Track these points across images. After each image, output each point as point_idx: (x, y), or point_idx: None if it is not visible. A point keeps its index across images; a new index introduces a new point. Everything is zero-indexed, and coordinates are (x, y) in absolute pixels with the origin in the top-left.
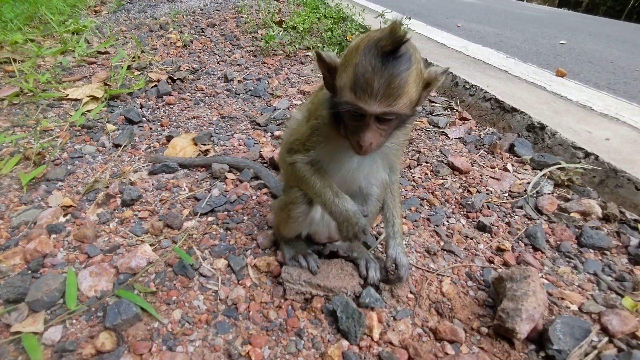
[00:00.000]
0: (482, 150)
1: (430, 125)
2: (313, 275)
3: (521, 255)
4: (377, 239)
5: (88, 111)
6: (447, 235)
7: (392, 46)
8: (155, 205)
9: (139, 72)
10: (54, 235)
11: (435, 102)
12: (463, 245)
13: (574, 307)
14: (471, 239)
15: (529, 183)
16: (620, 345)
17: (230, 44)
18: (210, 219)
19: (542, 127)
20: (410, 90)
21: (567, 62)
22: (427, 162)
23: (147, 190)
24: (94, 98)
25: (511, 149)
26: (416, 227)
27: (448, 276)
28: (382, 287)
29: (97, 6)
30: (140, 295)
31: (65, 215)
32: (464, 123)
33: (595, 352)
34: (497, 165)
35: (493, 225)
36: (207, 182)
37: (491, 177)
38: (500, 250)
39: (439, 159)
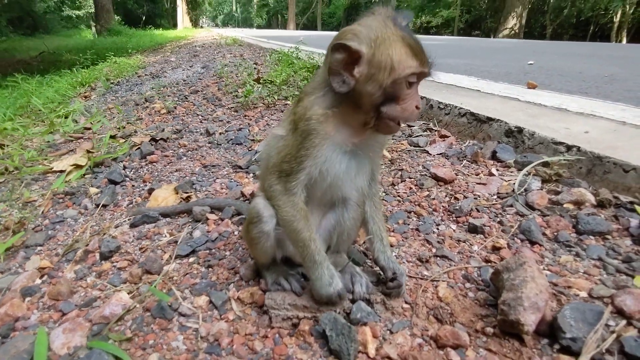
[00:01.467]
0: (465, 161)
1: (410, 145)
2: (298, 297)
3: (519, 251)
4: (365, 255)
5: (76, 179)
6: (438, 242)
7: (407, 20)
8: (135, 254)
9: (123, 140)
10: (28, 298)
11: (414, 126)
12: (456, 249)
13: (583, 294)
14: (464, 242)
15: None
16: None
17: (212, 104)
18: (191, 259)
19: (520, 130)
20: None
21: (537, 77)
22: (410, 178)
23: (127, 241)
24: (78, 167)
25: (494, 156)
26: (405, 239)
27: (444, 281)
28: (373, 299)
29: (86, 92)
30: (115, 344)
31: (41, 277)
32: (444, 140)
33: (614, 335)
34: (481, 172)
35: (485, 225)
36: (188, 226)
37: (477, 183)
38: (496, 249)
39: (422, 173)
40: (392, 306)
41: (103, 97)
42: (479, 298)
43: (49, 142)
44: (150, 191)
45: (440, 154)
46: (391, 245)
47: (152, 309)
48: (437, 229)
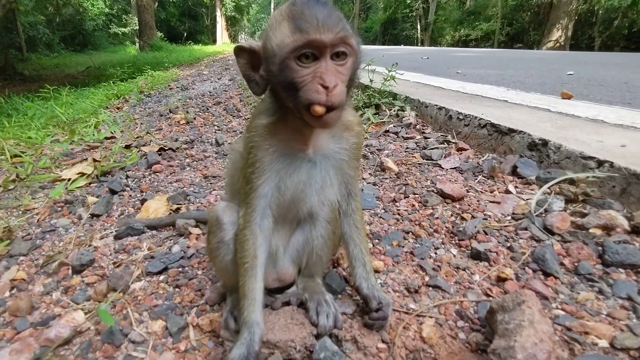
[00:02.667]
0: (480, 177)
1: (423, 158)
2: None
3: (528, 283)
4: (346, 281)
5: (78, 188)
6: (433, 269)
7: None
8: (107, 269)
9: (137, 149)
10: None
11: (429, 137)
12: (453, 279)
13: (604, 343)
14: (463, 270)
15: (536, 203)
16: None
17: (231, 115)
18: (162, 277)
19: (545, 142)
20: (348, 26)
21: (574, 87)
22: (414, 194)
23: (105, 254)
24: (85, 175)
25: (515, 172)
26: (396, 263)
27: (431, 316)
28: (342, 336)
29: (120, 104)
30: None
31: (11, 290)
32: (461, 153)
33: None
34: (497, 189)
35: (490, 251)
36: (170, 240)
37: (490, 202)
38: (500, 280)
39: (428, 189)
40: (364, 345)
41: (133, 108)
42: (471, 341)
43: (65, 150)
44: (143, 201)
45: (454, 168)
46: (377, 271)
47: (102, 332)
48: (435, 253)
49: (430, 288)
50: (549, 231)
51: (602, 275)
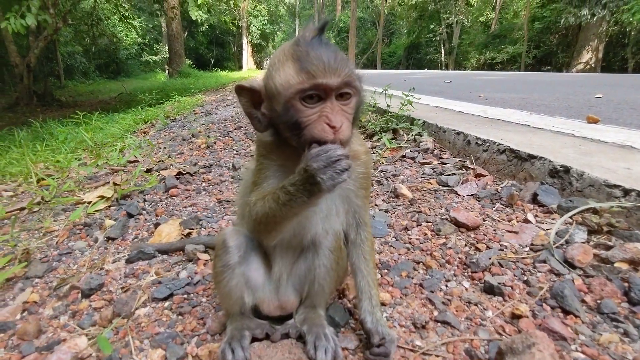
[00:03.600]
0: (498, 204)
1: (439, 185)
2: None
3: (545, 322)
4: (350, 313)
5: (97, 211)
6: (443, 303)
7: (318, 31)
8: (115, 294)
9: (157, 173)
10: (1, 335)
11: (447, 163)
12: (464, 315)
13: None
14: (475, 305)
15: (556, 234)
16: None
17: (250, 139)
18: (166, 304)
19: (567, 169)
20: (352, 67)
21: (602, 111)
22: (427, 222)
23: (115, 278)
24: (105, 198)
25: (534, 200)
26: (404, 296)
27: (438, 355)
28: None
29: (146, 128)
30: None
31: (22, 312)
32: (479, 179)
33: None
34: (516, 217)
35: (505, 285)
36: (179, 265)
37: (508, 231)
38: (515, 317)
39: (442, 217)
40: None
41: (158, 132)
42: None
43: (89, 174)
44: (157, 225)
45: (470, 195)
46: (384, 304)
47: None
48: (446, 285)
49: (439, 324)
50: (569, 264)
51: (628, 314)
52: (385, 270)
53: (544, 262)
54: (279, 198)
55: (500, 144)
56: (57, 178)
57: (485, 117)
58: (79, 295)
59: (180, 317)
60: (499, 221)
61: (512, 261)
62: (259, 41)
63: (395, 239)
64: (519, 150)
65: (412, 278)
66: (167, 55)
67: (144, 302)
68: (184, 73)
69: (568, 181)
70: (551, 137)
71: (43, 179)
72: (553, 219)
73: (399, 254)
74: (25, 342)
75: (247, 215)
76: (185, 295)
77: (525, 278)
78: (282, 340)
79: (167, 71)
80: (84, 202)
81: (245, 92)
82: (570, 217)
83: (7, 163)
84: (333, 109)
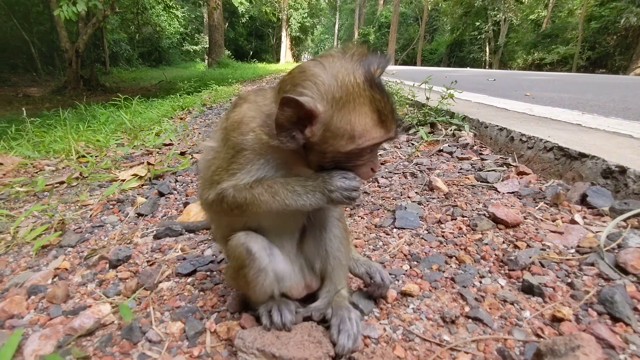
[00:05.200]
0: (541, 203)
1: (477, 180)
2: (273, 341)
3: (590, 327)
4: (375, 302)
5: (131, 188)
6: (475, 299)
7: (382, 69)
8: (141, 267)
9: (190, 157)
10: (32, 297)
11: (487, 159)
12: (498, 313)
13: None
14: (511, 304)
15: (608, 237)
16: None
17: None
18: (189, 279)
19: (623, 170)
20: None
21: None
22: (463, 216)
23: (142, 252)
24: (138, 177)
25: (583, 201)
26: (434, 289)
27: (467, 352)
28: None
29: (183, 115)
30: None
31: (53, 278)
32: (521, 177)
33: None
34: (561, 218)
35: (546, 286)
36: (205, 243)
37: (551, 231)
38: (556, 320)
39: (479, 212)
40: None
41: (195, 119)
42: None
43: (126, 154)
44: (186, 205)
45: (511, 192)
46: (411, 295)
47: (122, 328)
48: (480, 282)
49: (470, 320)
50: (621, 270)
51: None
52: (415, 262)
53: (592, 265)
54: (276, 192)
55: (547, 141)
56: (96, 156)
57: (531, 114)
58: (107, 265)
59: (201, 293)
60: (541, 220)
61: (555, 262)
62: (298, 34)
63: (427, 232)
64: (568, 148)
65: (444, 272)
66: (207, 46)
67: (168, 276)
68: (222, 63)
69: (624, 182)
70: (605, 137)
71: (83, 156)
72: (604, 222)
73: (431, 247)
74: (53, 306)
75: (217, 198)
76: (208, 273)
77: (569, 280)
78: (303, 322)
79: (206, 61)
80: (119, 180)
81: (294, 106)
82: (624, 220)
83: (52, 141)
84: (377, 154)
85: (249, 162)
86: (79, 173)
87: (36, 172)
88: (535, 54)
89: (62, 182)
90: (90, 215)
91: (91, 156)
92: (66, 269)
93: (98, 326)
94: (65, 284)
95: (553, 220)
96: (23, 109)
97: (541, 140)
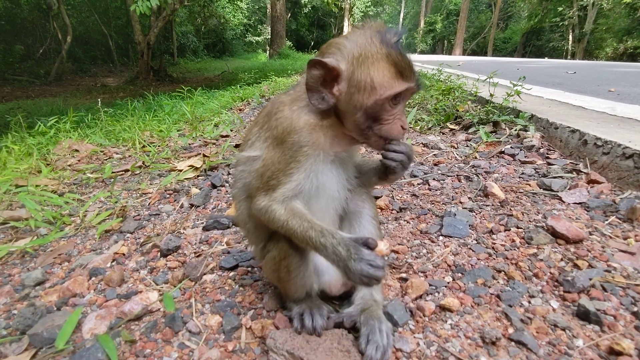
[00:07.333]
0: (612, 218)
1: (539, 187)
2: (303, 345)
3: None
4: (411, 314)
5: (187, 179)
6: (521, 320)
7: (398, 36)
8: (188, 257)
9: None
10: (92, 278)
11: (554, 164)
12: (545, 338)
13: None
14: (562, 329)
15: None
16: None
17: None
18: (231, 273)
19: None
20: None
21: None
22: (518, 228)
23: (191, 243)
24: (194, 168)
25: None
26: (477, 305)
27: None
28: None
29: (242, 106)
30: (120, 343)
31: (112, 262)
32: (592, 186)
33: None
34: (635, 236)
35: (606, 313)
36: None
37: (620, 251)
38: (612, 353)
39: (537, 224)
40: None
41: (253, 110)
42: None
43: (185, 144)
44: None
45: (578, 203)
46: (450, 310)
47: (166, 316)
48: (529, 302)
49: (513, 343)
50: None
51: None
52: (459, 274)
53: None
54: (310, 238)
55: (626, 147)
56: (158, 146)
57: (613, 114)
58: (159, 254)
59: (241, 288)
60: (610, 237)
61: (620, 286)
62: (360, 24)
63: (475, 242)
64: None
65: (489, 287)
66: (269, 37)
67: (212, 268)
68: (283, 54)
69: None
70: None
71: (147, 146)
72: None
73: (478, 259)
74: (109, 288)
75: (270, 218)
76: (249, 268)
77: (635, 309)
78: (334, 329)
79: (267, 52)
80: (177, 170)
81: (319, 67)
82: None
83: (121, 129)
84: (403, 111)
85: (306, 158)
86: (142, 162)
87: (106, 159)
88: (629, 42)
89: (126, 170)
90: (149, 204)
91: (153, 146)
92: (123, 254)
93: (145, 312)
94: (121, 269)
95: (624, 238)
96: (98, 99)
97: (620, 145)
